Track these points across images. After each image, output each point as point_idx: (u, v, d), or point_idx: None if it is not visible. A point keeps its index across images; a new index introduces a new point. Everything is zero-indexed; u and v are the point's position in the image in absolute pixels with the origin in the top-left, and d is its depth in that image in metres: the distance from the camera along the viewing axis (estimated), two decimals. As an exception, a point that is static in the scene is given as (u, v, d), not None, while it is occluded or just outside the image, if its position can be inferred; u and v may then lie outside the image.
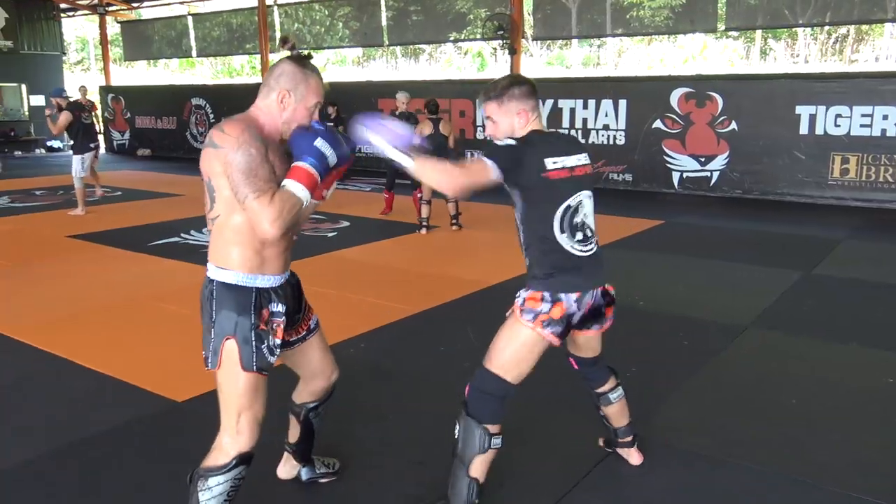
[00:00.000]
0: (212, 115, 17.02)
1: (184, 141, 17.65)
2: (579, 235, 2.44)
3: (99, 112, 15.34)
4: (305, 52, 2.26)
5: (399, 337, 4.55)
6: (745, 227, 8.46)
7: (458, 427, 2.45)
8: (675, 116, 10.93)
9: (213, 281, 2.16)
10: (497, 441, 2.42)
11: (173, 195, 10.85)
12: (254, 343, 2.12)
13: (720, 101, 10.54)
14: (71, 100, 9.68)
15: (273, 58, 17.23)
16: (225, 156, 2.02)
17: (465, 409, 2.43)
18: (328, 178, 2.19)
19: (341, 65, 29.68)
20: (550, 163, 2.36)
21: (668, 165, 11.08)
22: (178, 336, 4.45)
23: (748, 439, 3.17)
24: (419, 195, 8.17)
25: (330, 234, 7.89)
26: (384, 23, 15.11)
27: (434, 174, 2.29)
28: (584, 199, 2.47)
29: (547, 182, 2.37)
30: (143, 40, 19.56)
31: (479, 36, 13.82)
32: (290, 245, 2.26)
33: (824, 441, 3.16)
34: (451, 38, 16.17)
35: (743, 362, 4.13)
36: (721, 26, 11.47)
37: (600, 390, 2.79)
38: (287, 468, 2.80)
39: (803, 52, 25.92)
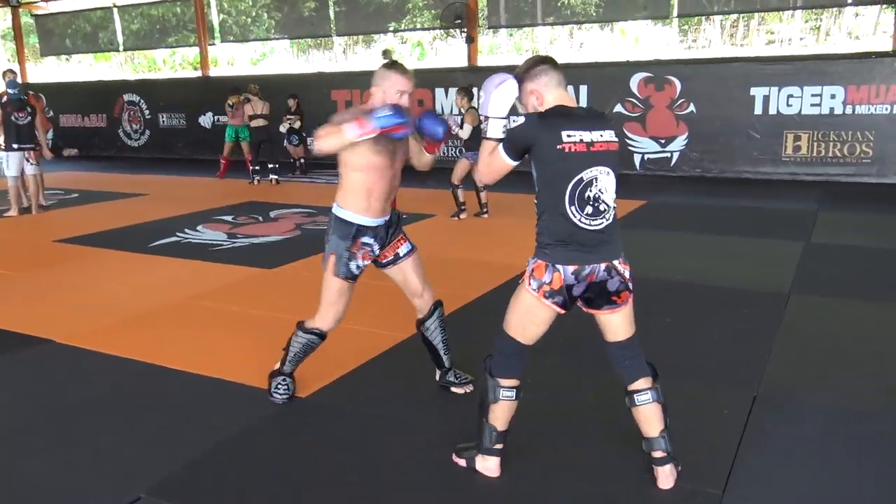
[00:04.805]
0: (147, 112, 16.30)
1: (115, 139, 16.82)
2: (589, 209, 2.50)
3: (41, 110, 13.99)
4: (393, 57, 2.87)
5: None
6: (722, 203, 8.94)
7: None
8: (634, 100, 11.36)
9: (333, 215, 3.21)
10: (508, 393, 2.65)
11: (137, 195, 10.36)
12: (346, 259, 3.16)
13: (678, 84, 11.05)
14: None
15: (211, 49, 16.71)
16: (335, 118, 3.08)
17: (483, 365, 2.73)
18: (435, 144, 3.21)
19: (266, 56, 28.79)
20: (565, 135, 2.47)
21: (630, 148, 11.51)
22: (255, 332, 4.36)
23: (857, 390, 3.46)
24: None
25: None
26: (325, 13, 14.78)
27: (482, 163, 2.63)
28: (601, 175, 2.52)
29: (562, 154, 2.46)
30: (60, 34, 18.46)
31: (436, 24, 13.69)
32: (389, 197, 3.20)
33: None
34: (413, 28, 16.19)
35: (810, 325, 4.44)
36: (674, 13, 11.97)
37: (630, 388, 2.65)
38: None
39: (702, 37, 27.34)
